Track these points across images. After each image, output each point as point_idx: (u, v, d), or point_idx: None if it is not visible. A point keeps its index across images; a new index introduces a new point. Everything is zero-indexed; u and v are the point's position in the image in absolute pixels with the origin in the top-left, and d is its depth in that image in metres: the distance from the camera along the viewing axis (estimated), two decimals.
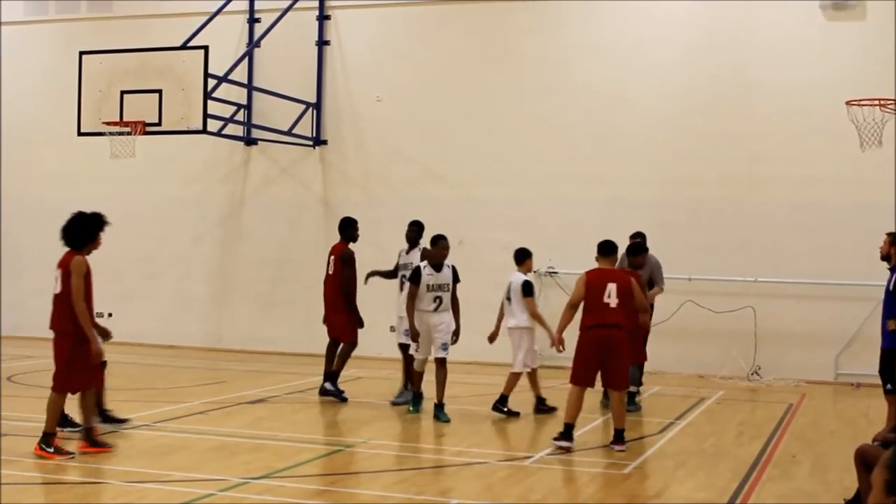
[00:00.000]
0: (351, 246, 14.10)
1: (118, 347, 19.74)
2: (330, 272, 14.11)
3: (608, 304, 10.81)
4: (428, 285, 12.53)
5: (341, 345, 13.98)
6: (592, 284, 10.91)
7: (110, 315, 20.81)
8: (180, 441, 10.79)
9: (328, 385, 13.89)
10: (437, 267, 12.57)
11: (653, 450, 11.01)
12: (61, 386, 10.04)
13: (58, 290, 10.00)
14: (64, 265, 10.07)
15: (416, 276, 12.61)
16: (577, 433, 11.39)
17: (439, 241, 12.66)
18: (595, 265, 11.31)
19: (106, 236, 21.12)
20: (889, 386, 10.91)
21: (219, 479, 9.19)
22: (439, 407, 12.50)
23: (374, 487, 9.27)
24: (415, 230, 14.08)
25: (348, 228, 14.17)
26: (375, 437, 11.87)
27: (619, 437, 10.83)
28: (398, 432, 12.48)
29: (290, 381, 15.67)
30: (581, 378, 10.89)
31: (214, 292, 20.08)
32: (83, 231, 10.35)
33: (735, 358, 17.07)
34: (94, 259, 21.34)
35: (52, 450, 9.78)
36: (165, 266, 20.48)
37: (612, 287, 10.88)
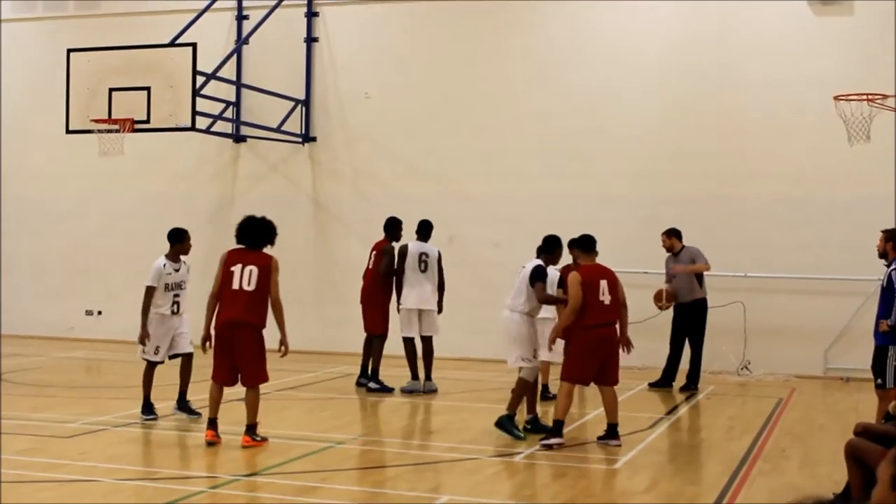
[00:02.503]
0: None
1: (107, 345, 19.81)
2: (370, 266, 14.85)
3: (603, 302, 10.73)
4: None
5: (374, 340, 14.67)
6: (588, 283, 10.74)
7: (100, 313, 20.85)
8: (171, 438, 10.78)
9: (372, 383, 14.48)
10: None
11: (643, 445, 11.03)
12: (261, 379, 10.43)
13: (252, 286, 10.31)
14: (262, 263, 10.41)
15: (541, 273, 11.29)
16: (567, 429, 11.43)
17: (561, 243, 11.78)
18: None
19: (94, 234, 21.16)
20: (879, 381, 10.97)
21: (209, 476, 9.20)
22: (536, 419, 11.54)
23: (364, 484, 9.29)
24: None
25: (392, 228, 14.82)
26: (366, 433, 11.89)
27: (613, 432, 10.80)
28: (388, 429, 12.50)
29: (280, 377, 15.64)
30: (579, 377, 10.79)
31: (203, 290, 20.00)
32: (267, 232, 10.60)
33: (725, 353, 17.10)
34: (83, 257, 21.29)
35: (259, 438, 10.37)
36: (154, 260, 20.44)
37: (604, 284, 10.79)
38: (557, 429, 10.66)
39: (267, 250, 10.71)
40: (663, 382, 15.37)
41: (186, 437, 11.03)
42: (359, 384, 14.78)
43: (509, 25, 18.83)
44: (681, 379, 15.32)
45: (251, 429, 10.37)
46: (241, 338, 10.27)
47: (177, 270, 12.04)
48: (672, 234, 15.54)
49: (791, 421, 12.89)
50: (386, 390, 14.39)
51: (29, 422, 11.52)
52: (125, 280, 20.34)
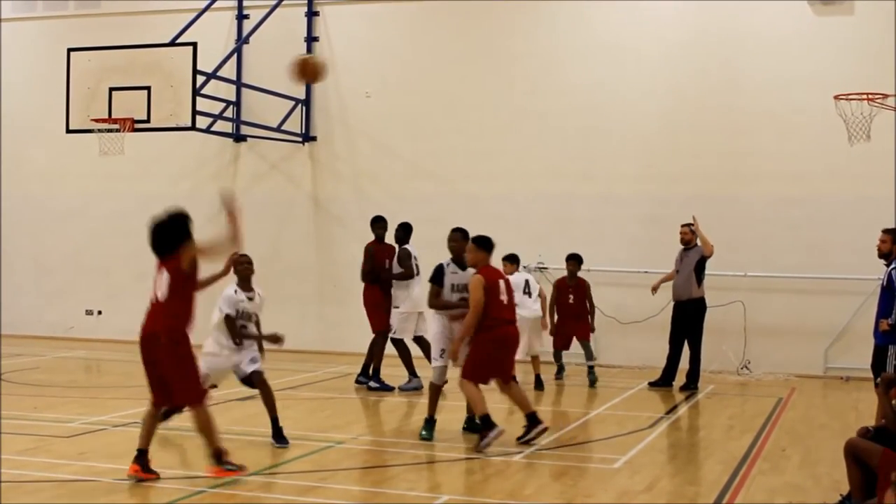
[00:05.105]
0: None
1: (107, 345, 19.81)
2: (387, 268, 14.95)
3: (503, 301, 10.69)
4: (453, 285, 11.13)
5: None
6: (490, 284, 10.65)
7: (100, 313, 20.86)
8: (170, 438, 10.77)
9: (373, 382, 14.64)
10: (462, 265, 11.11)
11: (643, 444, 11.03)
12: (193, 396, 9.09)
13: (163, 295, 9.20)
14: (171, 266, 9.28)
15: (438, 275, 11.23)
16: (567, 428, 11.45)
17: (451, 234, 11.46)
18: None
19: (95, 233, 21.08)
20: (879, 380, 10.96)
21: (209, 475, 9.18)
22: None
23: (364, 484, 9.29)
24: (402, 231, 14.83)
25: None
26: (365, 433, 11.89)
27: (534, 420, 10.68)
28: (388, 428, 12.50)
29: (280, 377, 15.65)
30: (483, 375, 10.63)
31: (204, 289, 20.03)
32: (171, 232, 9.50)
33: (725, 352, 17.10)
34: (83, 257, 21.26)
35: (233, 466, 9.05)
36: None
37: (502, 284, 10.76)
38: (487, 423, 10.43)
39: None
40: (663, 382, 15.37)
41: (186, 437, 11.01)
42: (358, 382, 14.84)
43: (510, 25, 18.83)
44: (681, 378, 15.31)
45: (216, 457, 9.04)
46: (157, 353, 9.05)
47: (250, 299, 10.85)
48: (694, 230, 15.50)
49: (791, 420, 12.90)
50: (386, 389, 14.43)
51: (29, 422, 11.53)
52: (125, 280, 20.36)
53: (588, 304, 15.88)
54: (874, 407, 11.01)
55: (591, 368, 15.63)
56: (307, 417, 12.61)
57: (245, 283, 10.94)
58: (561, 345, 15.93)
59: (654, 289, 15.79)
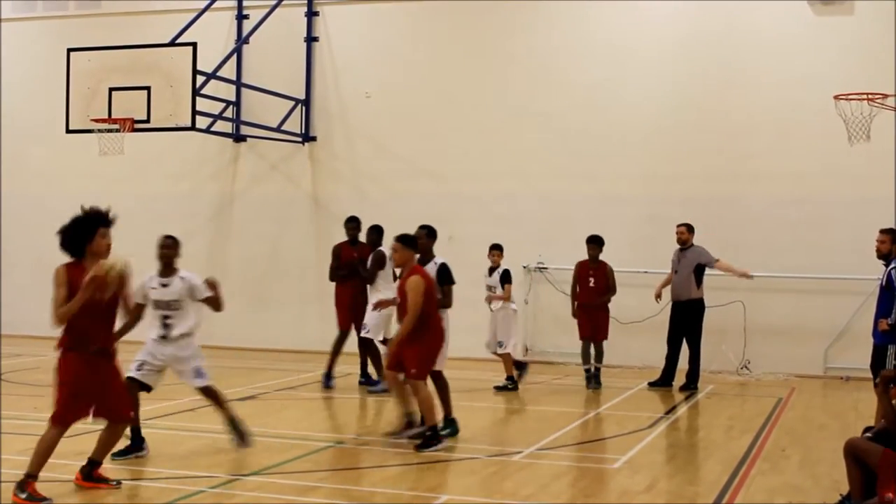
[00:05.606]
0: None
1: None
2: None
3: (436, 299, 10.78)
4: None
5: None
6: (429, 285, 10.61)
7: None
8: (170, 438, 10.77)
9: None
10: (425, 262, 11.31)
11: (643, 444, 11.03)
12: (56, 416, 8.54)
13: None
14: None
15: (449, 275, 11.47)
16: (566, 429, 11.44)
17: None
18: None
19: None
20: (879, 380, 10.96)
21: (209, 475, 9.19)
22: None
23: (363, 484, 9.29)
24: (374, 234, 14.78)
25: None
26: (365, 433, 11.89)
27: (411, 424, 10.75)
28: (388, 428, 12.48)
29: (279, 377, 15.67)
30: (430, 369, 10.66)
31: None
32: (64, 238, 8.92)
33: (724, 352, 17.10)
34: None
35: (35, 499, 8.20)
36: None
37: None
38: (436, 434, 10.49)
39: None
40: (663, 382, 15.38)
41: (186, 438, 11.02)
42: (360, 383, 14.92)
43: (511, 25, 18.83)
44: (680, 378, 15.32)
45: (23, 484, 8.28)
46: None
47: (164, 286, 10.28)
48: (691, 230, 15.45)
49: (791, 420, 12.90)
50: (374, 384, 14.57)
51: (29, 422, 11.50)
52: None
53: (607, 287, 15.41)
54: (874, 407, 11.01)
55: (597, 371, 15.50)
56: (307, 417, 12.62)
57: (165, 269, 10.35)
58: (587, 333, 15.36)
59: (658, 296, 15.73)
